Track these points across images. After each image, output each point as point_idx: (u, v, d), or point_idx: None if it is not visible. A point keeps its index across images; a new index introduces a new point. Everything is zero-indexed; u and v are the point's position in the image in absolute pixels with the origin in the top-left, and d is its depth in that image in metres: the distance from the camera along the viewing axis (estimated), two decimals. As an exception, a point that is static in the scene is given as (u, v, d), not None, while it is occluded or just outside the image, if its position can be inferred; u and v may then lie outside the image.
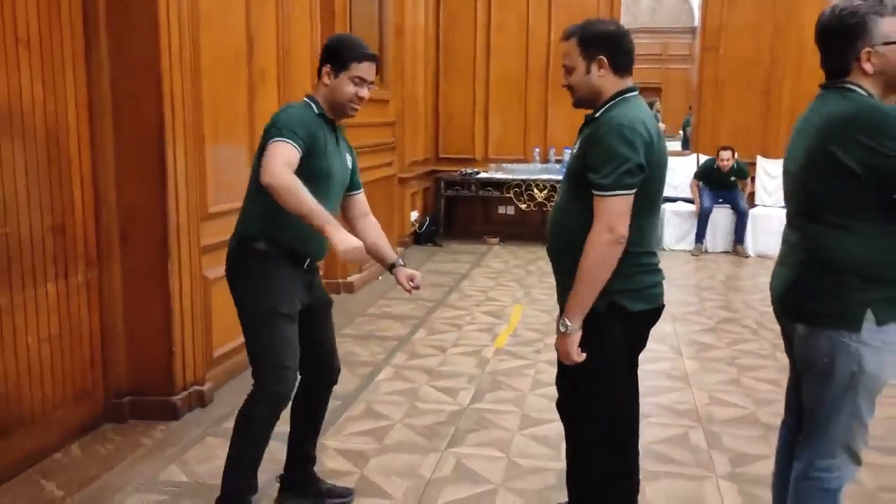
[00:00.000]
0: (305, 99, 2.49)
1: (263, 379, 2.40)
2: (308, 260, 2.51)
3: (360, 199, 2.70)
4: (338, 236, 2.14)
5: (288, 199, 2.16)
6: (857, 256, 1.84)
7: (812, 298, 1.92)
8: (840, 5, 1.90)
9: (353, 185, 2.64)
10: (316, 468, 2.77)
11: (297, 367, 2.45)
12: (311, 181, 2.26)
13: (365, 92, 2.45)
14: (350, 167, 2.60)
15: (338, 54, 2.43)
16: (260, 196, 2.32)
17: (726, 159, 7.48)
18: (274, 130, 2.27)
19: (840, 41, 1.88)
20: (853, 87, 1.88)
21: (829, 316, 1.88)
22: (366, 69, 2.43)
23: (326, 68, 2.44)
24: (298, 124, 2.30)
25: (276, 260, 2.41)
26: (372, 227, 2.66)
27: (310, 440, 2.72)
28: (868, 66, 1.86)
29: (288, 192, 2.15)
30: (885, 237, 1.83)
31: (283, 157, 2.20)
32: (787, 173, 2.04)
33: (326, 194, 2.39)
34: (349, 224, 2.66)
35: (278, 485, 2.73)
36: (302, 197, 2.16)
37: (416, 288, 2.57)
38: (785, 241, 2.05)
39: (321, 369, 2.66)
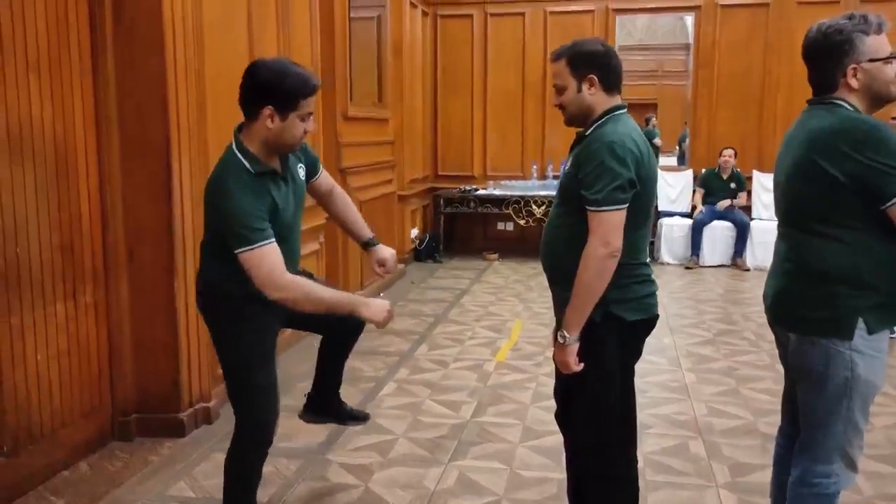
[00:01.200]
0: (235, 153, 2.17)
1: (242, 425, 2.38)
2: None
3: (322, 179, 2.53)
4: (369, 312, 2.18)
5: (307, 305, 2.15)
6: (847, 265, 1.89)
7: (804, 307, 1.98)
8: (826, 23, 1.97)
9: (310, 174, 2.47)
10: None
11: (275, 414, 2.38)
12: (275, 232, 2.16)
13: (311, 124, 2.20)
14: (302, 183, 2.41)
15: (283, 93, 2.10)
16: (219, 247, 2.18)
17: (728, 156, 7.62)
18: (236, 236, 2.08)
19: (827, 58, 1.95)
20: (840, 102, 1.95)
21: (822, 324, 1.94)
22: (312, 102, 2.18)
23: (267, 110, 2.11)
24: (249, 211, 2.08)
25: (247, 299, 2.21)
26: (339, 199, 2.56)
27: (337, 368, 2.77)
28: (854, 82, 1.93)
29: (306, 300, 2.13)
30: (874, 246, 1.89)
31: (270, 263, 2.08)
32: (776, 186, 2.10)
33: (289, 236, 2.31)
34: (321, 200, 2.58)
35: (305, 399, 2.84)
36: (320, 297, 2.16)
37: (388, 273, 2.55)
38: (776, 251, 2.12)
39: (338, 327, 2.58)
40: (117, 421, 3.39)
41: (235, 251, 2.09)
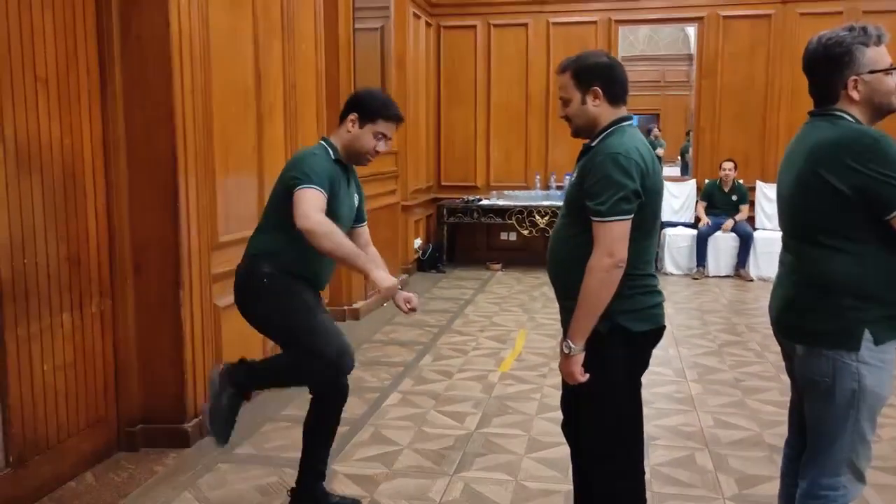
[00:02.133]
0: (322, 142, 2.64)
1: (325, 355, 2.53)
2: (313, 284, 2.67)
3: (364, 230, 2.84)
4: (379, 275, 2.35)
5: (327, 242, 2.35)
6: (852, 276, 1.90)
7: (809, 319, 1.98)
8: (826, 35, 1.98)
9: (358, 218, 2.79)
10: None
11: (345, 344, 2.61)
12: None
13: (383, 147, 2.62)
14: (357, 204, 2.75)
15: (369, 107, 2.57)
16: (274, 233, 2.53)
17: (728, 169, 7.63)
18: (300, 176, 2.43)
19: (827, 70, 1.96)
20: (841, 113, 1.95)
21: (828, 336, 1.94)
22: (390, 127, 2.60)
23: (352, 116, 2.57)
24: (320, 172, 2.47)
25: (287, 275, 2.57)
26: (373, 256, 2.77)
27: (322, 456, 2.80)
28: (855, 94, 1.94)
29: (326, 237, 2.35)
30: (879, 257, 1.89)
31: (315, 202, 2.38)
32: (779, 198, 2.11)
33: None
34: None
35: (289, 498, 2.81)
36: (340, 240, 2.36)
37: (413, 310, 2.65)
38: (781, 262, 2.12)
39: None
40: (123, 431, 3.39)
41: (295, 189, 2.40)
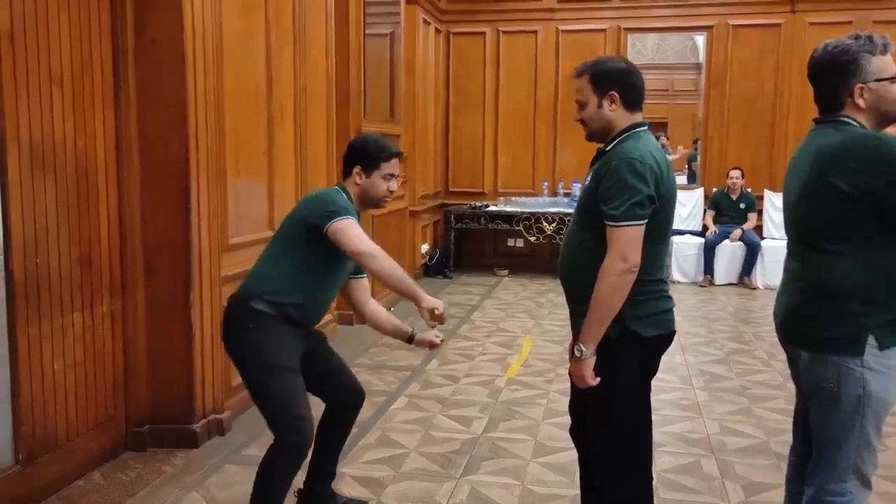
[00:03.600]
0: (337, 188, 2.66)
1: (281, 432, 2.45)
2: (303, 327, 2.62)
3: (365, 283, 2.85)
4: (428, 299, 2.37)
5: (384, 263, 2.38)
6: (857, 282, 1.90)
7: (814, 325, 1.98)
8: (833, 43, 1.99)
9: (359, 269, 2.76)
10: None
11: (311, 416, 2.49)
12: (332, 261, 2.54)
13: (395, 185, 2.66)
14: None
15: (367, 156, 2.61)
16: (282, 261, 2.53)
17: (735, 177, 7.65)
18: (336, 209, 2.45)
19: (834, 77, 1.98)
20: (847, 120, 1.97)
21: (833, 342, 1.94)
22: (394, 165, 2.64)
23: (357, 169, 2.62)
24: (349, 208, 2.52)
25: (273, 318, 2.49)
26: (381, 308, 2.85)
27: (332, 457, 2.80)
28: (861, 102, 1.95)
29: (385, 258, 2.39)
30: (883, 262, 1.90)
31: (359, 230, 2.43)
32: (786, 204, 2.12)
33: (337, 275, 2.65)
34: (358, 306, 2.85)
35: (296, 498, 2.80)
36: (393, 265, 2.39)
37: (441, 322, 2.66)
38: (786, 269, 2.13)
39: (343, 394, 2.75)
40: (131, 431, 3.41)
41: (327, 225, 2.42)
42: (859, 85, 1.95)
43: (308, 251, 2.51)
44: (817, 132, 2.03)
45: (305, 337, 2.62)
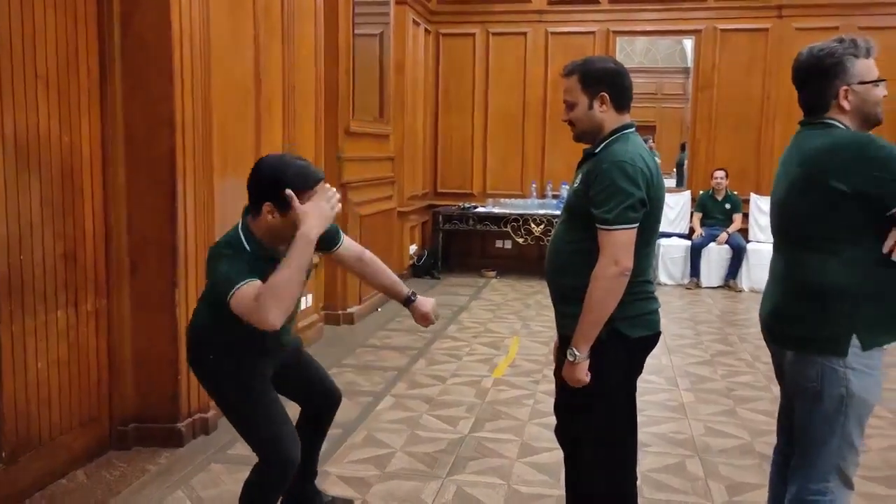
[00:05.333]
0: (239, 234, 2.23)
1: (263, 454, 2.35)
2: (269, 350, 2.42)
3: (347, 248, 2.54)
4: (302, 212, 2.04)
5: (287, 295, 2.04)
6: (841, 282, 1.92)
7: (799, 324, 2.01)
8: (818, 46, 2.02)
9: (335, 241, 2.50)
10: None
11: (292, 434, 2.36)
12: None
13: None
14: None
15: (280, 193, 2.08)
16: (217, 320, 2.25)
17: (720, 178, 7.73)
18: (224, 290, 2.08)
19: (819, 80, 2.00)
20: (833, 121, 1.99)
21: (817, 341, 1.96)
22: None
23: (267, 207, 2.13)
24: (236, 274, 2.09)
25: (237, 345, 2.31)
26: (370, 265, 2.56)
27: (312, 455, 2.75)
28: (846, 104, 1.98)
29: (282, 298, 2.02)
30: (867, 262, 1.92)
31: (249, 297, 2.04)
32: (773, 205, 2.14)
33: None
34: (353, 268, 2.59)
35: (281, 497, 2.78)
36: (286, 280, 2.03)
37: (432, 323, 2.59)
38: (772, 270, 2.15)
39: (320, 399, 2.68)
40: (115, 430, 3.39)
41: (229, 303, 2.07)
42: (844, 87, 1.97)
43: None
44: (803, 134, 2.06)
45: (274, 350, 2.46)
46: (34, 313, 2.91)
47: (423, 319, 2.57)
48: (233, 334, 2.24)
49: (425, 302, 2.57)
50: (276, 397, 2.41)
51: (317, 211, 2.06)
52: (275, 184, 2.10)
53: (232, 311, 2.07)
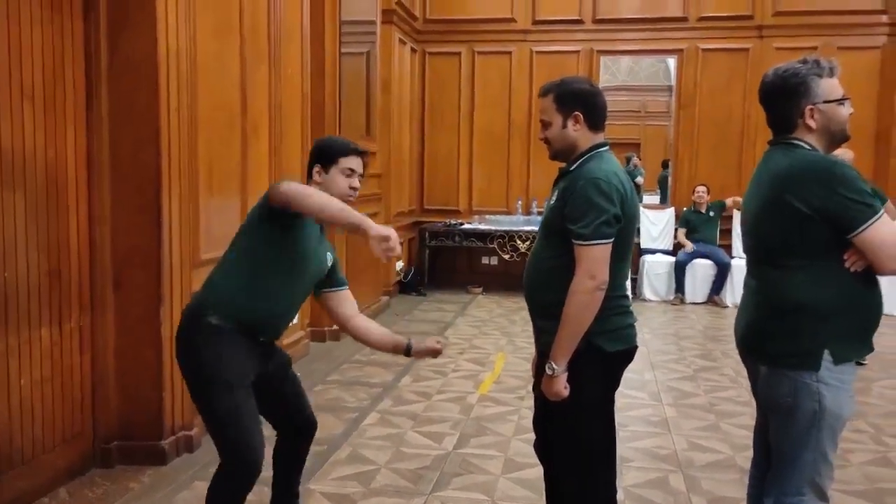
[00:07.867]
0: None
1: (229, 455, 2.36)
2: (261, 338, 2.49)
3: (348, 295, 2.68)
4: (377, 227, 2.14)
5: (316, 199, 2.20)
6: (812, 298, 1.97)
7: (771, 340, 2.05)
8: (783, 67, 2.09)
9: (339, 282, 2.66)
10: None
11: (260, 438, 2.38)
12: (291, 264, 2.40)
13: (357, 182, 2.51)
14: (330, 264, 2.61)
15: (325, 152, 2.51)
16: (234, 272, 2.40)
17: (701, 192, 7.87)
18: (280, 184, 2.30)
19: (784, 100, 2.07)
20: (798, 142, 2.06)
21: (789, 356, 2.00)
22: (354, 161, 2.50)
23: (317, 168, 2.49)
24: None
25: (228, 333, 2.36)
26: (371, 323, 2.69)
27: (291, 479, 2.75)
28: (812, 123, 2.04)
29: (317, 194, 2.23)
30: (838, 278, 1.96)
31: (290, 183, 2.28)
32: (744, 223, 2.19)
33: (301, 276, 2.47)
34: (343, 322, 2.67)
35: None
36: (330, 197, 2.24)
37: (440, 352, 2.59)
38: (746, 286, 2.19)
39: (296, 424, 2.67)
40: (99, 448, 3.38)
41: (269, 195, 2.32)
42: (809, 106, 2.03)
43: (264, 255, 2.38)
44: (771, 153, 2.12)
45: (264, 355, 2.49)
46: (17, 330, 2.90)
47: (432, 353, 2.58)
48: (242, 297, 2.37)
49: (421, 340, 2.61)
50: (253, 402, 2.40)
51: (379, 228, 2.19)
52: (320, 148, 2.55)
53: (271, 200, 2.29)
